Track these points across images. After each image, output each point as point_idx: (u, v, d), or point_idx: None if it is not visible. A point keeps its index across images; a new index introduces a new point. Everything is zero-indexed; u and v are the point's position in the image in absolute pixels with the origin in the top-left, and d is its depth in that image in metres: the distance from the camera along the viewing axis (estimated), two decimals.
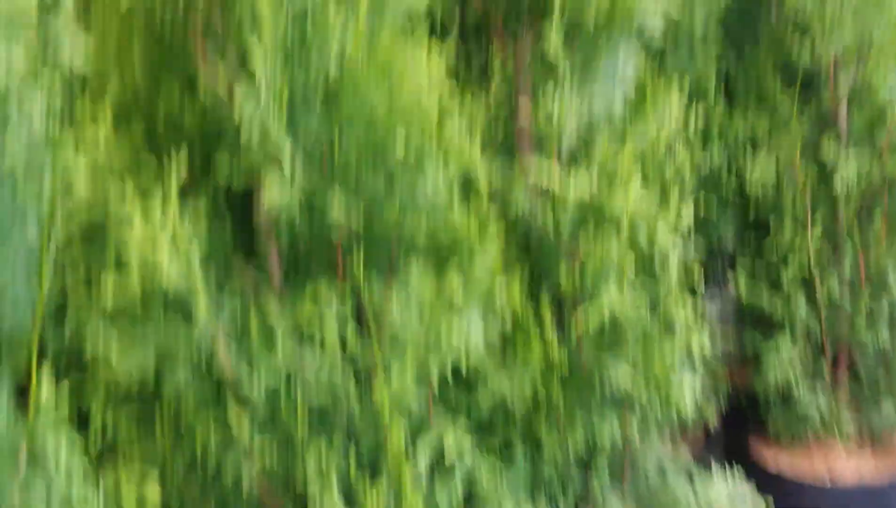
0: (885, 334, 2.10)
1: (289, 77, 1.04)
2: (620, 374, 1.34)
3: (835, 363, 2.17)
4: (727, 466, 2.71)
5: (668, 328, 1.40)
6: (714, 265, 2.38)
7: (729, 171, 2.15)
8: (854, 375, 2.19)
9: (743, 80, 2.18)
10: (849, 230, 2.07)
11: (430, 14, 1.28)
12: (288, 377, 1.10)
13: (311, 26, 1.03)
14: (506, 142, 1.39)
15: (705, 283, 2.36)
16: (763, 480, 2.22)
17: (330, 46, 1.04)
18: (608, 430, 1.35)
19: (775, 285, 2.10)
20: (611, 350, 1.37)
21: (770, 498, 2.24)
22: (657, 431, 1.47)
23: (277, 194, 1.06)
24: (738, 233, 2.23)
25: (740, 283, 2.13)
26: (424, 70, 1.11)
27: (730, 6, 2.15)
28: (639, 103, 1.42)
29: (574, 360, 1.37)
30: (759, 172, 2.08)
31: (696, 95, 2.12)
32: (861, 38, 1.97)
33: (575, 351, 1.37)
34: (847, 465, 2.13)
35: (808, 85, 2.10)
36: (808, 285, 2.10)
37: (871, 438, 2.20)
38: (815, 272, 2.08)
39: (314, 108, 1.08)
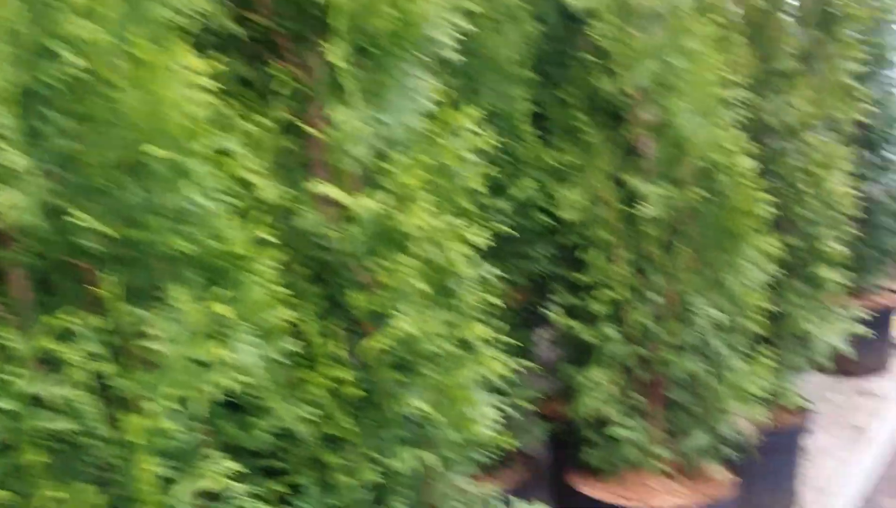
0: (694, 363, 2.16)
1: (21, 76, 0.94)
2: (415, 399, 1.29)
3: (648, 393, 2.21)
4: (551, 498, 2.72)
5: (465, 352, 1.36)
6: (538, 296, 2.40)
7: (543, 201, 2.17)
8: (667, 404, 2.23)
9: (554, 111, 2.22)
10: (656, 261, 2.13)
11: (205, 26, 1.21)
12: (29, 405, 0.98)
13: (48, 23, 0.95)
14: (294, 160, 1.34)
15: (532, 314, 2.37)
16: (584, 506, 2.22)
17: (73, 43, 0.96)
18: (404, 459, 1.29)
19: (588, 315, 2.12)
20: (405, 375, 1.32)
21: None
22: (462, 461, 1.43)
23: (11, 209, 0.96)
24: (554, 263, 2.25)
25: (555, 313, 2.15)
26: (187, 79, 1.04)
27: (541, 38, 2.19)
28: (433, 126, 1.40)
29: (368, 386, 1.31)
30: (570, 203, 2.12)
31: (506, 123, 2.14)
32: (661, 74, 2.05)
33: (368, 376, 1.31)
34: (662, 494, 2.16)
35: (615, 118, 2.16)
36: (619, 315, 2.14)
37: (685, 466, 2.25)
38: (625, 303, 2.12)
39: (56, 112, 0.98)
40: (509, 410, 1.97)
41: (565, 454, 2.34)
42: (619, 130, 2.14)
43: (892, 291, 3.92)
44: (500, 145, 2.15)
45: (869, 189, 3.73)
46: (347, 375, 1.23)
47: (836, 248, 2.42)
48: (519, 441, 2.34)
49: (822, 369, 2.77)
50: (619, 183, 2.13)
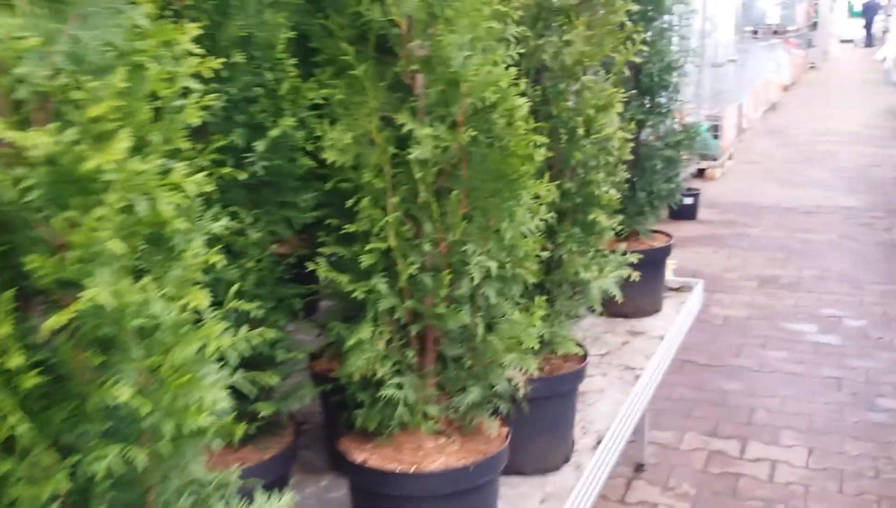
0: (468, 316, 2.04)
1: None
2: (118, 386, 1.04)
3: (421, 349, 2.08)
4: (327, 465, 2.56)
5: (185, 321, 1.13)
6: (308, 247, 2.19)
7: (308, 143, 1.95)
8: (441, 360, 2.11)
9: (320, 41, 1.99)
10: (429, 208, 1.97)
11: None
12: None
13: None
14: None
15: (302, 267, 2.16)
16: (354, 474, 2.07)
17: None
18: (106, 460, 1.05)
19: (357, 268, 1.94)
20: (109, 356, 1.07)
21: (360, 494, 2.10)
22: (188, 451, 1.20)
23: None
24: (322, 211, 2.05)
25: (322, 267, 1.95)
26: None
27: None
28: (144, 45, 1.13)
29: (60, 372, 1.06)
30: (337, 145, 1.91)
31: (263, 53, 1.89)
32: (430, 3, 1.87)
33: (59, 360, 1.05)
34: (435, 454, 2.04)
35: (387, 51, 1.97)
36: (390, 267, 1.97)
37: (461, 423, 2.15)
38: (396, 253, 1.96)
39: None
40: (249, 386, 1.77)
41: (339, 417, 2.18)
42: (390, 65, 1.94)
43: (665, 234, 4.04)
44: (255, 77, 1.91)
45: (643, 134, 3.79)
46: (19, 361, 0.97)
47: (610, 193, 2.38)
48: (289, 405, 2.15)
49: (599, 313, 2.79)
50: (391, 123, 1.94)
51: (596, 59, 2.36)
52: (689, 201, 9.04)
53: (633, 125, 3.51)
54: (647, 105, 3.76)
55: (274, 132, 1.84)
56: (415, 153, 1.89)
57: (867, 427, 4.63)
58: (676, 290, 4.20)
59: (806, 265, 7.46)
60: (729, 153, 12.02)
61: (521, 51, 2.11)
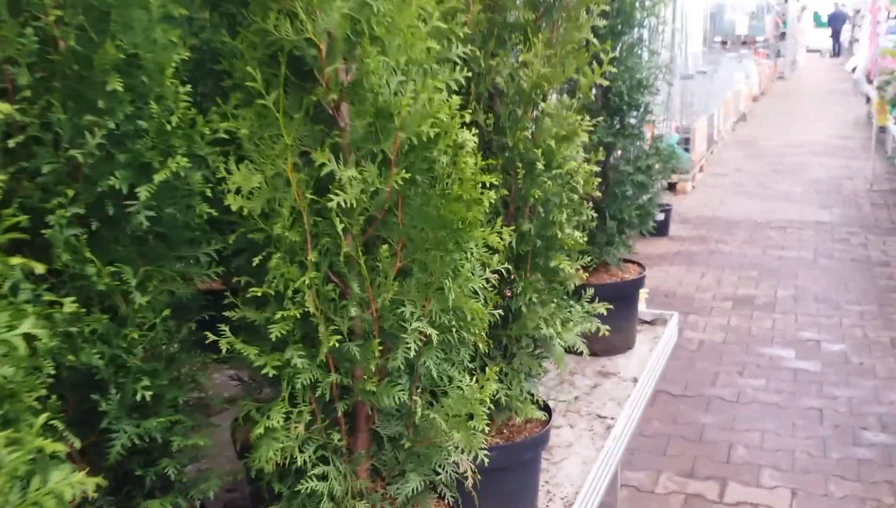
0: (405, 392, 1.71)
1: None
2: None
3: (351, 429, 1.74)
4: None
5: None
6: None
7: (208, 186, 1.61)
8: (376, 441, 1.78)
9: (227, 64, 1.66)
10: (355, 264, 1.64)
11: None
12: None
13: None
14: None
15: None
16: None
17: None
18: None
19: (266, 338, 1.60)
20: None
21: None
22: None
23: None
24: (227, 268, 1.71)
25: (224, 336, 1.60)
26: None
27: None
28: None
29: None
30: (242, 188, 1.57)
31: (152, 77, 1.56)
32: (355, 19, 1.55)
33: None
34: None
35: (305, 76, 1.64)
36: (309, 336, 1.64)
37: None
38: (318, 320, 1.62)
39: None
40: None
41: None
42: (309, 92, 1.61)
43: (637, 264, 3.74)
44: (141, 108, 1.58)
45: (611, 158, 3.49)
46: None
47: (574, 235, 2.07)
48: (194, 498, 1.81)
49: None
50: (312, 162, 1.61)
51: (557, 81, 2.05)
52: (660, 217, 8.79)
53: (600, 151, 3.21)
54: (617, 127, 3.45)
55: (160, 175, 1.50)
56: (336, 199, 1.56)
57: (852, 465, 4.36)
58: (650, 323, 3.90)
59: (781, 284, 7.22)
60: (700, 166, 11.82)
61: (468, 74, 1.79)
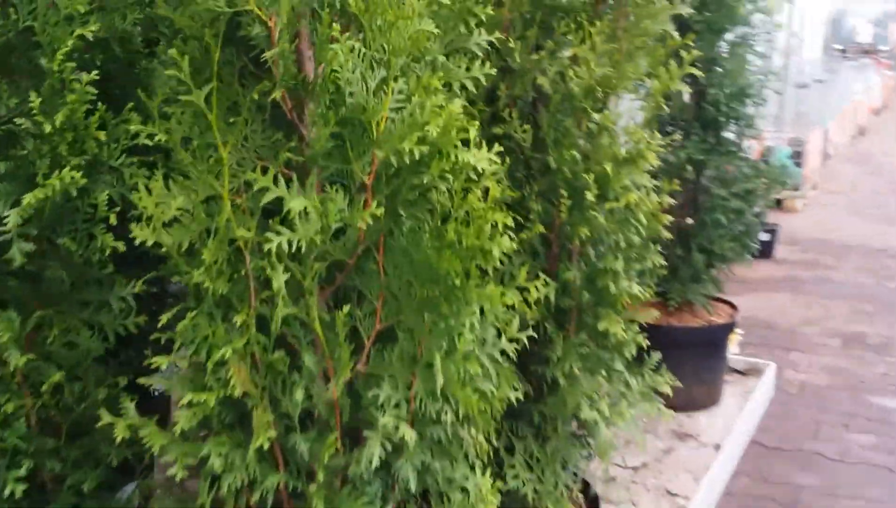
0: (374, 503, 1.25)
1: None
2: None
3: None
4: None
5: None
6: None
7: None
8: None
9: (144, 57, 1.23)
10: (312, 327, 1.19)
11: None
12: None
13: None
14: None
15: None
16: None
17: None
18: None
19: None
20: None
21: None
22: None
23: None
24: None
25: (121, 419, 1.17)
26: None
27: None
28: None
29: None
30: (156, 216, 1.14)
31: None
32: None
33: None
34: None
35: (250, 70, 1.20)
36: (245, 420, 1.19)
37: None
38: (256, 401, 1.18)
39: None
40: None
41: None
42: (254, 91, 1.17)
43: (728, 303, 3.18)
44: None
45: (703, 178, 2.95)
46: None
47: (633, 288, 1.56)
48: None
49: None
50: (249, 185, 1.17)
51: (620, 85, 1.55)
52: (765, 237, 8.05)
53: (689, 170, 2.68)
54: (711, 141, 2.91)
55: (37, 194, 1.08)
56: (278, 239, 1.11)
57: None
58: (741, 373, 3.32)
59: None
60: (812, 182, 10.91)
61: (494, 71, 1.32)
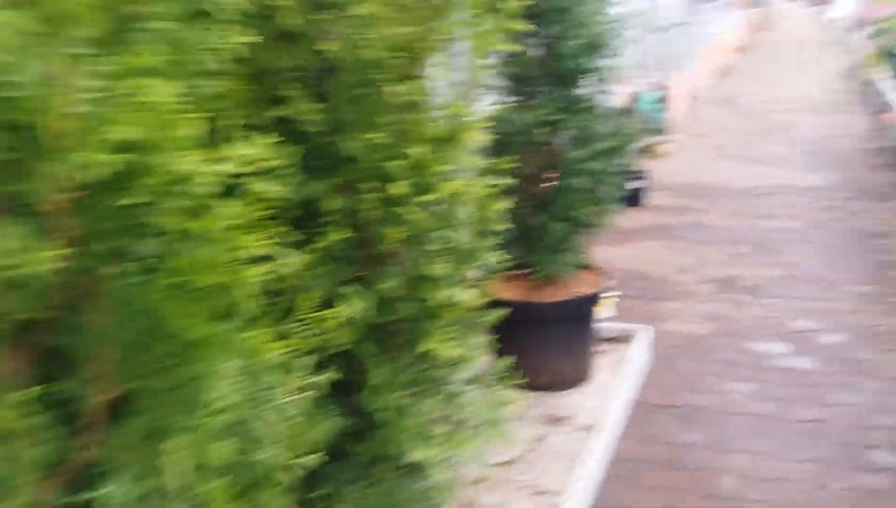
0: None
1: None
2: None
3: None
4: None
5: None
6: None
7: None
8: None
9: None
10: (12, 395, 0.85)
11: None
12: None
13: None
14: None
15: None
16: None
17: None
18: None
19: None
20: None
21: None
22: None
23: None
24: None
25: None
26: None
27: None
28: None
29: None
30: None
31: None
32: None
33: None
34: None
35: None
36: None
37: None
38: None
39: None
40: None
41: None
42: None
43: (594, 271, 2.97)
44: None
45: (559, 138, 2.70)
46: None
47: (462, 298, 1.28)
48: None
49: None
50: None
51: (429, 46, 1.24)
52: (636, 184, 8.02)
53: (541, 130, 2.44)
54: (565, 99, 2.66)
55: None
56: None
57: (862, 497, 3.64)
58: (613, 341, 3.14)
59: (770, 262, 6.48)
60: (679, 126, 11.02)
61: (252, 39, 0.99)
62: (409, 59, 1.25)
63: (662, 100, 10.15)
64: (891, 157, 9.34)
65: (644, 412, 4.34)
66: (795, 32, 23.08)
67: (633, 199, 7.98)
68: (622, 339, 3.06)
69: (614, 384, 2.70)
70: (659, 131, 10.12)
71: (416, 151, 1.23)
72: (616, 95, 8.41)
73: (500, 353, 2.87)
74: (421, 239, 1.27)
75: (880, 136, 10.38)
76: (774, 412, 4.34)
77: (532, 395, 2.61)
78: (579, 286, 2.76)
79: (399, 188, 1.22)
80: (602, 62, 2.65)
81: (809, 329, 5.28)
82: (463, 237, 1.29)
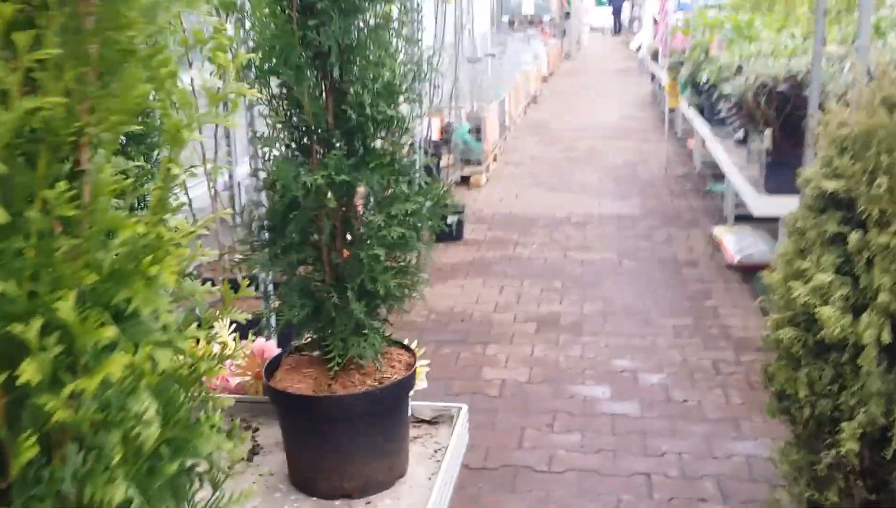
0: None
1: None
2: None
3: None
4: None
5: None
6: None
7: None
8: None
9: None
10: None
11: None
12: None
13: None
14: None
15: None
16: None
17: None
18: None
19: None
20: None
21: None
22: None
23: None
24: None
25: None
26: None
27: None
28: None
29: None
30: None
31: None
32: None
33: None
34: None
35: None
36: None
37: None
38: None
39: None
40: None
41: None
42: None
43: (405, 347, 2.59)
44: None
45: (349, 204, 2.31)
46: None
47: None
48: None
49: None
50: None
51: (98, 130, 0.79)
52: (453, 219, 7.78)
53: (330, 197, 2.07)
54: (358, 152, 2.26)
55: None
56: None
57: None
58: (430, 422, 2.75)
59: (587, 296, 6.38)
60: (494, 155, 10.98)
61: None
62: (61, 146, 0.79)
63: (477, 130, 10.05)
64: (693, 182, 9.66)
65: (464, 480, 4.00)
66: (601, 61, 24.09)
67: (451, 234, 7.75)
68: (440, 420, 2.68)
69: (431, 478, 2.30)
70: (474, 162, 10.00)
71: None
72: (430, 129, 8.16)
73: (293, 460, 2.42)
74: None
75: (682, 162, 10.76)
76: (600, 466, 4.12)
77: (336, 505, 2.18)
78: (389, 369, 2.36)
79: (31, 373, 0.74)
80: (402, 108, 2.27)
81: (629, 369, 5.16)
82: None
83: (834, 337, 2.65)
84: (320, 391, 2.30)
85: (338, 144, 2.25)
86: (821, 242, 2.78)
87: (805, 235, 2.89)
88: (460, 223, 7.86)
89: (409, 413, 2.58)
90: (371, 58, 2.26)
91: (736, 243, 6.80)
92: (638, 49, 18.92)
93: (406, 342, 2.58)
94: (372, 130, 2.25)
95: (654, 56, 13.72)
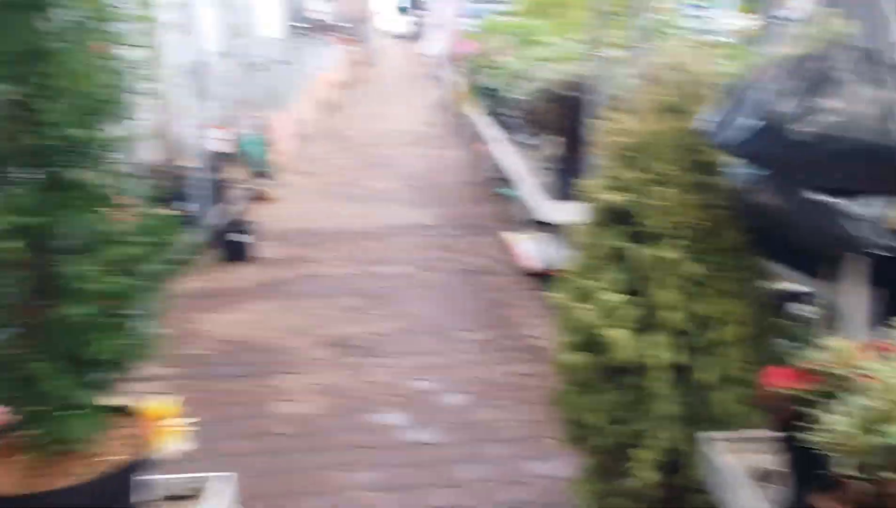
0: None
1: None
2: None
3: None
4: None
5: None
6: None
7: None
8: None
9: None
10: None
11: None
12: None
13: None
14: None
15: None
16: None
17: None
18: None
19: None
20: None
21: None
22: None
23: None
24: None
25: None
26: None
27: None
28: None
29: None
30: None
31: None
32: None
33: None
34: None
35: None
36: None
37: None
38: None
39: None
40: None
41: None
42: None
43: (135, 416, 2.15)
44: None
45: (42, 250, 1.85)
46: None
47: None
48: None
49: None
50: None
51: None
52: (240, 238, 7.27)
53: (22, 233, 1.60)
54: (53, 186, 1.81)
55: None
56: None
57: None
58: (184, 498, 2.31)
59: (386, 315, 6.09)
60: (287, 166, 10.50)
61: None
62: None
63: (267, 140, 9.54)
64: (487, 189, 9.63)
65: None
66: (395, 67, 24.10)
67: (237, 254, 7.23)
68: (193, 495, 2.25)
69: None
70: (265, 174, 9.48)
71: None
72: (216, 139, 7.59)
73: None
74: None
75: (476, 168, 10.75)
76: (401, 504, 3.82)
77: None
78: (111, 451, 1.91)
79: None
80: (111, 130, 1.84)
81: (430, 391, 4.90)
82: None
83: (622, 361, 2.48)
84: (12, 488, 1.82)
85: (24, 177, 1.79)
86: (606, 258, 2.61)
87: (590, 250, 2.71)
88: (248, 242, 7.36)
89: (155, 493, 2.15)
90: (66, 67, 1.82)
91: (530, 250, 6.74)
92: (430, 56, 19.02)
93: (162, 398, 2.14)
94: (66, 156, 1.80)
95: (445, 63, 13.75)
